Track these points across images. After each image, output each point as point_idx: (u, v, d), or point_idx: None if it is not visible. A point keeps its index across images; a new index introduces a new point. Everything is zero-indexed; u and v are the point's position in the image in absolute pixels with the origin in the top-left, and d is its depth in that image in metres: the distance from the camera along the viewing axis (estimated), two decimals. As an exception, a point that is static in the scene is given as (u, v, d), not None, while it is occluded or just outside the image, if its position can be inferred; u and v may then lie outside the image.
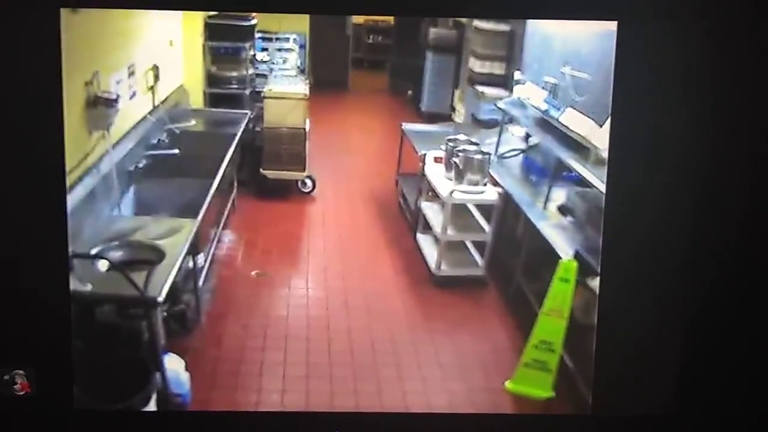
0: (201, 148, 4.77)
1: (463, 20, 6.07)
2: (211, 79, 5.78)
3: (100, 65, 3.76)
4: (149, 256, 3.46)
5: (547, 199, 4.29)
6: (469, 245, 4.86)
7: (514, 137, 5.10)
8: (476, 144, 4.93)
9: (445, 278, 4.64)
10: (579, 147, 4.06)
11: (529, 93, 4.82)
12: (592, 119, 3.95)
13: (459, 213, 4.82)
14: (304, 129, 5.51)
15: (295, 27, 6.24)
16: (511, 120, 5.08)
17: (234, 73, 5.81)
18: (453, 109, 6.30)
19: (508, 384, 3.58)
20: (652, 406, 2.90)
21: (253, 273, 4.54)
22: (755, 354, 2.86)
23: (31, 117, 2.63)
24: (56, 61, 2.62)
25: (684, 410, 2.88)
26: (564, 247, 3.76)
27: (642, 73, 2.73)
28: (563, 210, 4.14)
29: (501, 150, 5.02)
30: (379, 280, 4.58)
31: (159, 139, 4.70)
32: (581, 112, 4.11)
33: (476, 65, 5.74)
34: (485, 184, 4.73)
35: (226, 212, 4.98)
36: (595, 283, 3.02)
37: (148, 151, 4.48)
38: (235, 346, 3.84)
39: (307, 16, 5.93)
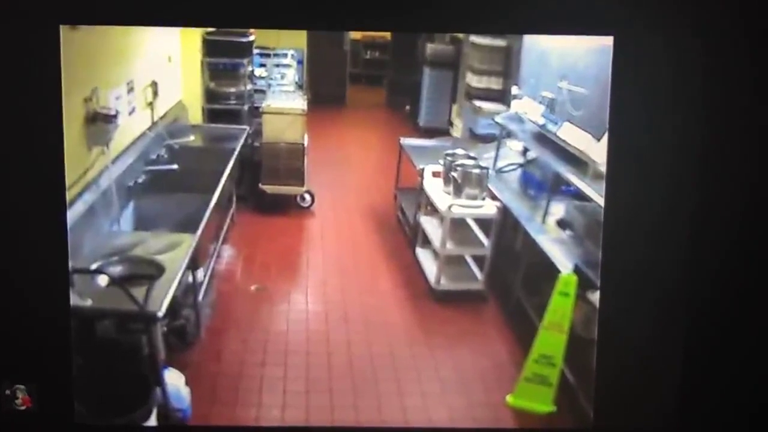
0: (200, 164, 4.78)
1: (460, 36, 6.10)
2: (210, 95, 5.79)
3: (100, 81, 3.77)
4: (149, 271, 3.46)
5: (545, 213, 4.29)
6: (469, 259, 4.86)
7: (512, 151, 5.11)
8: (474, 158, 4.94)
9: (444, 292, 4.63)
10: (577, 161, 4.08)
11: (527, 107, 4.84)
12: (590, 133, 3.96)
13: (458, 227, 4.83)
14: (303, 144, 5.52)
15: (293, 43, 6.25)
16: (509, 134, 5.09)
17: (232, 89, 5.82)
18: (451, 123, 6.31)
19: (509, 398, 3.57)
20: (653, 420, 2.89)
21: (252, 287, 4.53)
22: (756, 368, 2.86)
23: (31, 133, 2.65)
24: (56, 78, 2.64)
25: (685, 425, 2.87)
26: (563, 261, 3.77)
27: (638, 87, 2.75)
28: (562, 224, 4.15)
29: (499, 164, 5.03)
30: (379, 295, 4.57)
31: (158, 155, 4.70)
32: (579, 127, 4.13)
33: (473, 80, 5.76)
34: (484, 199, 4.74)
35: (225, 227, 4.98)
36: (595, 296, 3.02)
37: (147, 167, 4.48)
38: (235, 361, 3.83)
39: (304, 33, 5.96)
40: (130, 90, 4.35)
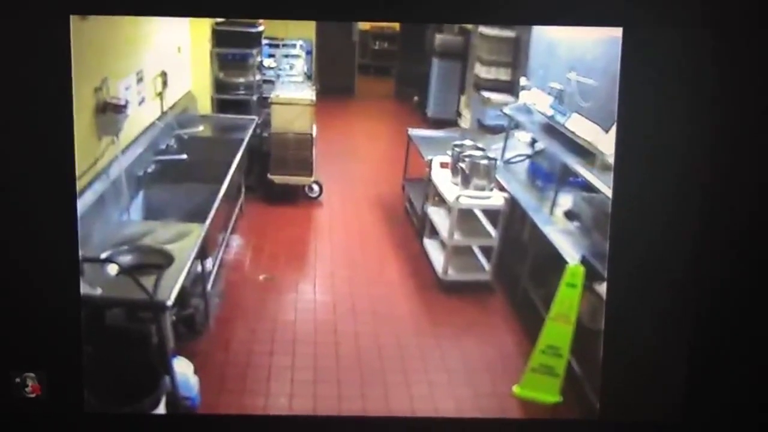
0: (209, 154, 4.79)
1: (469, 27, 6.09)
2: (219, 85, 5.80)
3: (109, 71, 3.78)
4: (158, 261, 3.48)
5: (553, 204, 4.29)
6: (476, 250, 4.87)
7: (520, 143, 5.10)
8: (482, 149, 4.93)
9: (451, 283, 4.64)
10: (585, 152, 4.07)
11: (535, 99, 4.83)
12: (598, 125, 3.96)
13: (465, 218, 4.83)
14: (311, 134, 5.52)
15: (302, 33, 6.25)
16: (517, 125, 5.09)
17: (241, 79, 5.82)
18: (459, 114, 6.30)
19: (515, 389, 3.58)
20: (659, 412, 2.90)
21: (260, 277, 4.55)
22: (763, 360, 2.85)
23: (41, 123, 2.66)
24: (66, 68, 2.64)
25: (691, 418, 2.87)
26: (571, 252, 3.77)
27: (647, 79, 2.74)
28: (570, 215, 4.15)
29: (507, 155, 5.03)
30: (386, 285, 4.58)
31: (167, 145, 4.72)
32: (587, 118, 4.12)
33: (482, 71, 5.75)
34: (491, 189, 4.74)
35: (233, 217, 5.00)
36: (602, 288, 3.02)
37: (156, 157, 4.50)
38: (243, 350, 3.86)
39: (313, 23, 5.95)
40: (140, 80, 4.36)
